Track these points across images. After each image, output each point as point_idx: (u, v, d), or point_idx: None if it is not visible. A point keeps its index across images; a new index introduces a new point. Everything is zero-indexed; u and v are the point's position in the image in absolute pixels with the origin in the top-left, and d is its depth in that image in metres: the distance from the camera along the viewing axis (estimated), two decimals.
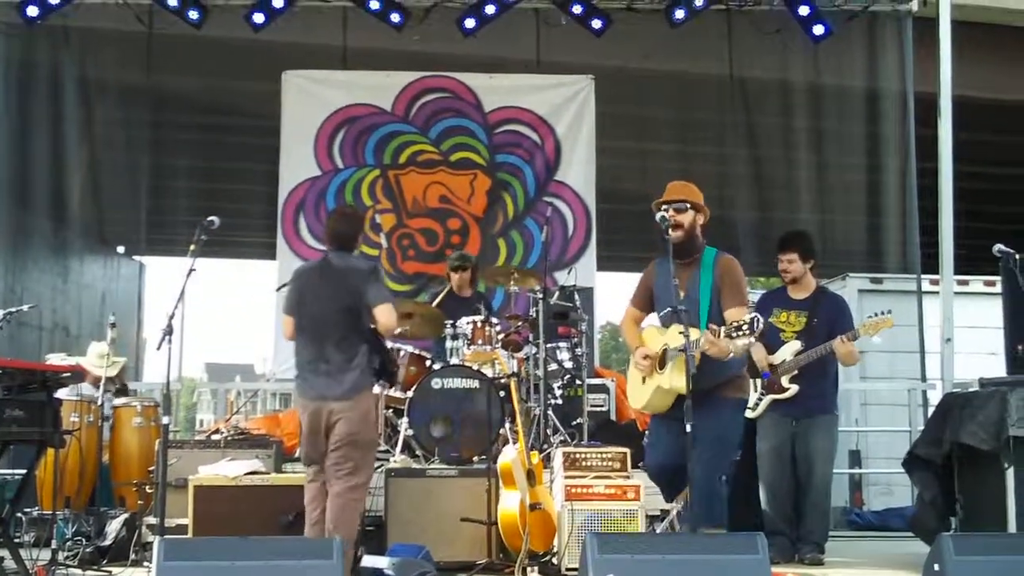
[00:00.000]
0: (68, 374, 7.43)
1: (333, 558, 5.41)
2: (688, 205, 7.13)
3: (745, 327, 6.50)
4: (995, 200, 17.90)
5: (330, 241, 7.46)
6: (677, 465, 6.80)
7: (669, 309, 6.83)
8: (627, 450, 7.96)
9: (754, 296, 9.90)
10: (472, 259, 10.75)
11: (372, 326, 7.18)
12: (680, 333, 6.51)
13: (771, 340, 8.39)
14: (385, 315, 7.15)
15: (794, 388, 8.22)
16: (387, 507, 7.95)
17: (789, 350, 8.28)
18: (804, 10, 11.59)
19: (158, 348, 6.67)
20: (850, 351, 8.10)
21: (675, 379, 6.77)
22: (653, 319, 7.38)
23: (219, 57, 13.19)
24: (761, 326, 6.56)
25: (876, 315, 8.01)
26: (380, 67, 12.81)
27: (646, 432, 9.23)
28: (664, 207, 7.08)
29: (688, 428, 6.29)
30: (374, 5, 11.68)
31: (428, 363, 9.47)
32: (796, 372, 8.23)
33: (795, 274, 8.47)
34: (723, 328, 6.61)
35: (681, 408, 6.53)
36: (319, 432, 7.11)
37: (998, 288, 10.33)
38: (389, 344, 9.25)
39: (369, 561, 6.87)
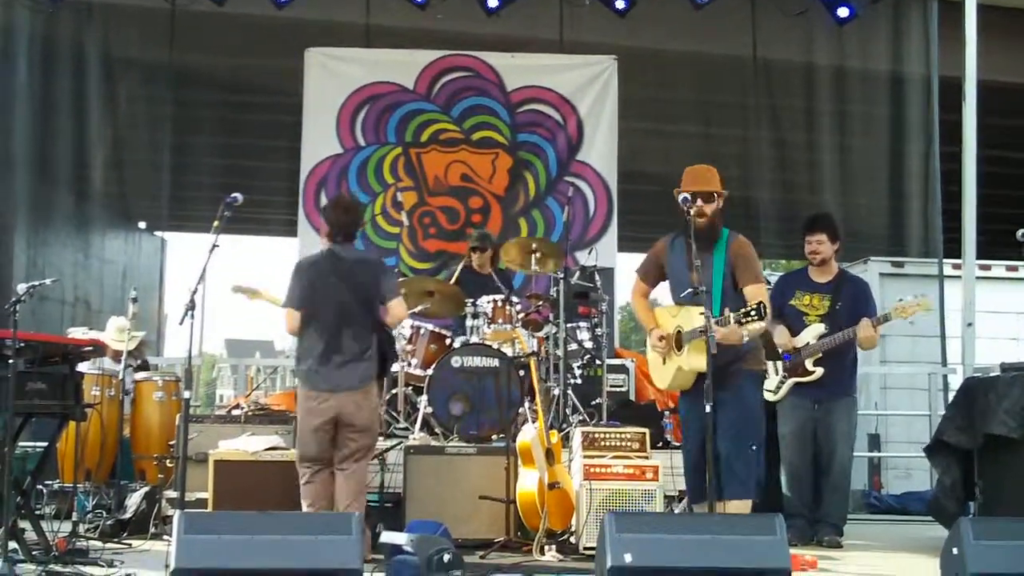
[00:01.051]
0: (90, 348, 7.46)
1: (352, 533, 5.43)
2: (715, 194, 7.18)
3: (753, 312, 6.59)
4: (1018, 185, 17.79)
5: (336, 232, 7.46)
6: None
7: (690, 290, 6.83)
8: (646, 430, 7.96)
9: (772, 278, 9.91)
10: (492, 239, 10.73)
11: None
12: (701, 314, 6.56)
13: (794, 323, 8.39)
14: (399, 308, 7.40)
15: (819, 371, 8.22)
16: (406, 484, 7.98)
17: (812, 333, 8.26)
18: None
19: (180, 323, 6.69)
20: (870, 336, 8.09)
21: (693, 360, 6.92)
22: (662, 296, 7.46)
23: (242, 34, 13.19)
24: (768, 311, 6.61)
25: (911, 297, 7.98)
26: (403, 45, 12.78)
27: (665, 412, 9.26)
28: (682, 199, 7.04)
29: (708, 408, 6.34)
30: None
31: (448, 341, 9.48)
32: (820, 355, 8.22)
33: (824, 255, 8.43)
34: (732, 314, 6.68)
35: (699, 389, 6.68)
36: (331, 422, 7.19)
37: (1020, 273, 10.34)
38: (408, 323, 9.34)
39: (388, 537, 6.87)
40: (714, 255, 7.13)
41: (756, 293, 7.00)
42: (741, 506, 7.05)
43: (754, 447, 7.14)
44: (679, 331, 7.06)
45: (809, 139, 13.15)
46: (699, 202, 7.11)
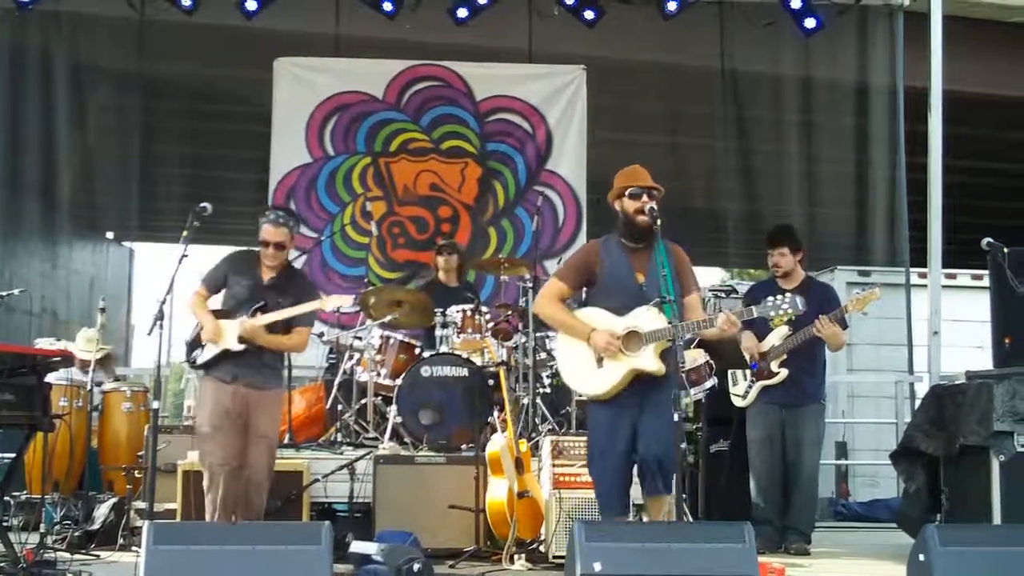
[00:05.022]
0: (58, 358, 7.43)
1: (321, 543, 5.42)
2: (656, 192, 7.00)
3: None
4: (983, 195, 17.95)
5: None
6: (632, 453, 6.76)
7: (658, 299, 6.69)
8: None
9: (742, 288, 9.97)
10: (460, 248, 10.75)
11: None
12: (660, 308, 6.52)
13: (761, 329, 8.45)
14: None
15: (783, 372, 8.29)
16: (375, 494, 7.99)
17: (777, 335, 8.34)
18: (796, 3, 11.63)
19: (149, 333, 6.70)
20: (833, 332, 8.15)
21: (657, 361, 6.65)
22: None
23: (211, 44, 13.14)
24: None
25: (862, 290, 8.07)
26: (372, 55, 12.79)
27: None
28: (631, 193, 6.94)
29: (676, 418, 6.28)
30: None
31: (417, 351, 9.48)
32: (785, 357, 8.29)
33: (786, 268, 8.57)
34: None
35: (630, 394, 6.66)
36: None
37: (985, 282, 10.36)
38: (378, 333, 9.35)
39: (358, 547, 6.89)
40: (655, 256, 6.71)
41: (695, 304, 6.88)
42: (670, 500, 6.81)
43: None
44: (632, 331, 6.65)
45: (776, 149, 13.20)
46: (644, 198, 6.87)
